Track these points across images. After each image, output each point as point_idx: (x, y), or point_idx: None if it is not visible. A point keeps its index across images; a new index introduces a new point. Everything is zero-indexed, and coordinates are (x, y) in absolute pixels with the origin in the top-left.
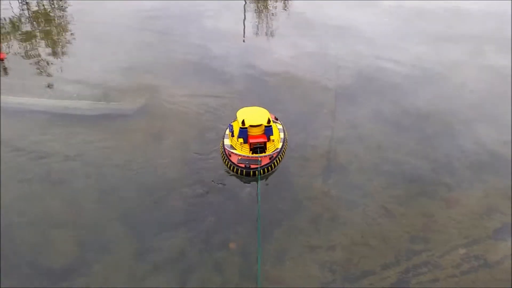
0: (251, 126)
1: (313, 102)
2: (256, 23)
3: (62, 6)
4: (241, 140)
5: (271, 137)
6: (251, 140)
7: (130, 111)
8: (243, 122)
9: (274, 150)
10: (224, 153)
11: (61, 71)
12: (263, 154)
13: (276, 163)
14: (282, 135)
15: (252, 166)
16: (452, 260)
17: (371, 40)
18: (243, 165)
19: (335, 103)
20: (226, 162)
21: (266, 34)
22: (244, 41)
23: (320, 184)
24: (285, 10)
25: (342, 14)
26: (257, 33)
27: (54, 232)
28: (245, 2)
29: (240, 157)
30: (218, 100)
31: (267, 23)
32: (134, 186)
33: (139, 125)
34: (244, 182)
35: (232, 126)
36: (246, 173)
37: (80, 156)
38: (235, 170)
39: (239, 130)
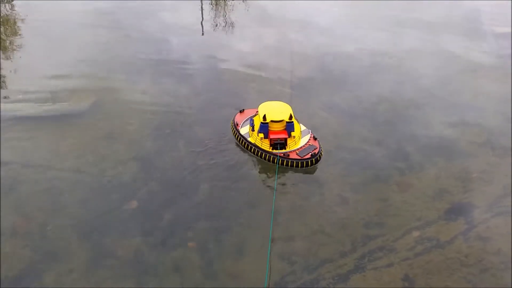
0: (272, 121)
1: (270, 94)
2: (215, 17)
3: (9, 2)
4: (261, 135)
5: (292, 133)
6: (271, 136)
7: (79, 111)
8: (264, 117)
9: (308, 133)
10: (278, 157)
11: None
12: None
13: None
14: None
15: (315, 152)
16: (406, 243)
17: (327, 30)
18: (309, 156)
19: (291, 94)
20: (289, 163)
21: (225, 27)
22: (202, 35)
23: (278, 176)
24: (244, 2)
25: (298, 4)
26: (215, 27)
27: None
28: None
29: (297, 151)
30: (173, 95)
31: (225, 16)
32: (84, 189)
33: (88, 125)
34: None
35: (253, 120)
36: (315, 161)
37: (25, 160)
38: (304, 164)
39: (260, 125)
